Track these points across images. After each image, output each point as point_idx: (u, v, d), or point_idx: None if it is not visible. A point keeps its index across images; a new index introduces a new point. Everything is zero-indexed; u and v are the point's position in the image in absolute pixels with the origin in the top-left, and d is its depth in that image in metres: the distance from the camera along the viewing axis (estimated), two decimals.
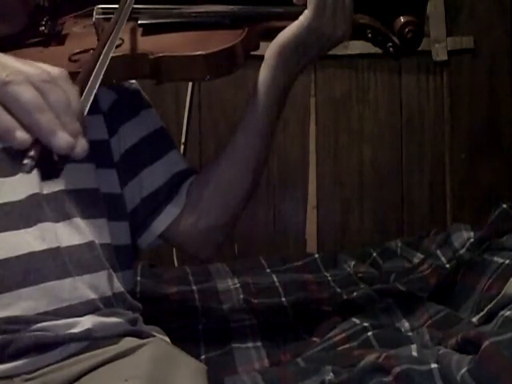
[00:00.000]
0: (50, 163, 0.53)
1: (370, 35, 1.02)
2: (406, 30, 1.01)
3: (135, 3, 0.92)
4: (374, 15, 1.02)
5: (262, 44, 1.01)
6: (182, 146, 1.91)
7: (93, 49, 0.91)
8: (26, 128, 0.53)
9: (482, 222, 1.50)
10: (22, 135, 0.53)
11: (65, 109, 0.55)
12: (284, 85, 0.96)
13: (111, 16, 0.94)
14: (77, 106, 0.56)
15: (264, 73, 0.95)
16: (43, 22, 0.96)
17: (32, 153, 0.52)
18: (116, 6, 0.92)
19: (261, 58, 0.98)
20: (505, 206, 1.46)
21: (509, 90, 2.00)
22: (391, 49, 1.03)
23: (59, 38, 0.95)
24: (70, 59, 0.90)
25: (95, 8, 0.96)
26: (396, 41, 1.02)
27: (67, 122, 0.55)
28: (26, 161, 0.51)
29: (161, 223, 1.02)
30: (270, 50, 0.95)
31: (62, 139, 0.53)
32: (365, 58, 1.91)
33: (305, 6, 0.93)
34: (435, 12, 1.95)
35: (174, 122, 1.90)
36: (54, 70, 0.58)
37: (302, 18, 0.93)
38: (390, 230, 1.96)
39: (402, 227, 1.98)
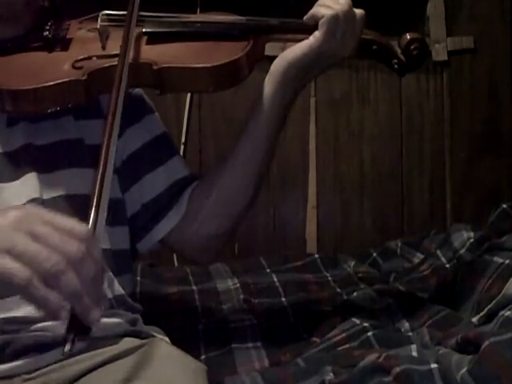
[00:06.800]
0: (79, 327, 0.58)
1: (375, 51, 1.03)
2: (412, 47, 1.02)
3: (142, 10, 0.92)
4: (379, 31, 1.03)
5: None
6: (182, 146, 1.91)
7: (96, 56, 0.91)
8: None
9: (482, 222, 1.50)
10: (64, 316, 0.56)
11: (96, 284, 0.58)
12: (288, 99, 0.97)
13: (116, 24, 0.94)
14: (102, 276, 0.61)
15: (269, 87, 0.96)
16: (47, 27, 0.95)
17: (72, 336, 0.56)
18: (122, 12, 0.91)
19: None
20: (505, 206, 1.47)
21: (509, 90, 2.00)
22: (396, 66, 1.04)
23: (63, 43, 0.95)
24: (73, 66, 0.89)
25: (100, 14, 0.96)
26: (401, 57, 1.03)
27: (98, 295, 0.59)
28: (67, 347, 0.55)
29: (161, 230, 1.01)
30: (276, 66, 0.96)
31: (95, 315, 0.57)
32: (365, 58, 1.91)
33: (316, 25, 0.94)
34: (435, 12, 1.95)
35: (173, 122, 1.90)
36: (83, 236, 0.58)
37: (312, 39, 0.94)
38: (390, 230, 1.96)
39: (402, 227, 1.98)
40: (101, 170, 0.67)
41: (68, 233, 0.58)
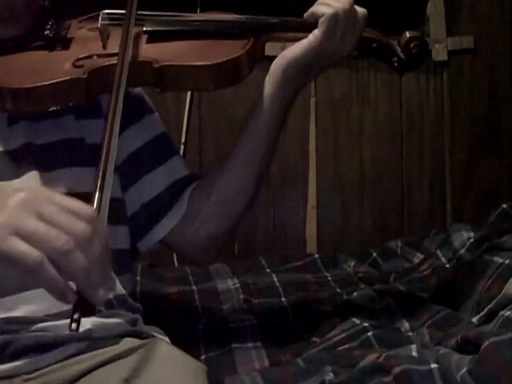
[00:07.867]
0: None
1: (375, 49, 1.03)
2: (412, 45, 1.02)
3: (142, 9, 0.92)
4: (379, 29, 1.03)
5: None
6: (182, 146, 1.91)
7: (97, 55, 0.91)
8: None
9: (482, 221, 1.50)
10: (72, 298, 0.57)
11: (102, 263, 0.58)
12: (288, 99, 0.97)
13: (117, 22, 0.94)
14: (108, 256, 0.59)
15: (268, 87, 0.96)
16: (48, 26, 0.95)
17: (77, 315, 0.56)
18: (122, 11, 0.92)
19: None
20: (505, 206, 1.47)
21: (509, 90, 2.00)
22: (396, 64, 1.04)
23: (64, 42, 0.95)
24: (74, 65, 0.90)
25: (101, 13, 0.96)
26: (401, 55, 1.03)
27: (104, 275, 0.59)
28: (73, 325, 0.56)
29: (161, 230, 1.01)
30: (276, 66, 0.96)
31: (101, 294, 0.58)
32: (365, 58, 1.91)
33: (315, 23, 0.94)
34: (435, 12, 1.95)
35: (173, 122, 1.90)
36: (90, 217, 0.58)
37: (311, 37, 0.94)
38: (390, 230, 1.96)
39: (402, 227, 1.98)
40: (104, 152, 0.68)
41: (75, 213, 0.58)
